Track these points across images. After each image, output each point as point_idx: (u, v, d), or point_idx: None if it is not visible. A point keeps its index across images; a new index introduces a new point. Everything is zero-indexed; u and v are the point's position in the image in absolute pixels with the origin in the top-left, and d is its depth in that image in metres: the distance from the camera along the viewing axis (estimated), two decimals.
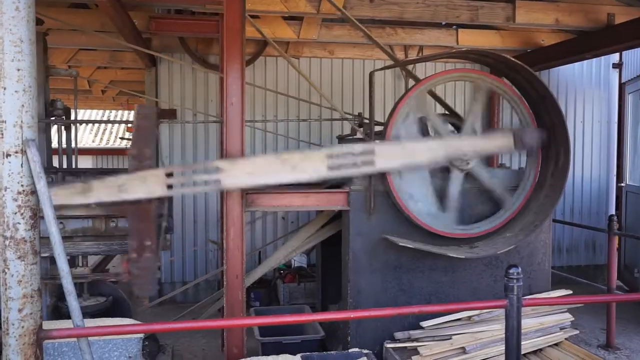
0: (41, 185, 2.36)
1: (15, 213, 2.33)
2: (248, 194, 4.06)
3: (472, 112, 4.42)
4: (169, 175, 3.55)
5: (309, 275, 6.79)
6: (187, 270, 7.21)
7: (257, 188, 3.94)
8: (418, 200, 4.35)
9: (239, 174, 3.64)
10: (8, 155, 2.31)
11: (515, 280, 2.78)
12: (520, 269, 2.82)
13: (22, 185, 2.34)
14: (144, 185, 3.48)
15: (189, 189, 3.77)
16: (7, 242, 2.32)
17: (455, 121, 4.87)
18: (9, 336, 2.32)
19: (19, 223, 2.33)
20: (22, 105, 2.32)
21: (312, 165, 3.75)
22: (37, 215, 2.41)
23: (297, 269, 6.95)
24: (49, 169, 4.38)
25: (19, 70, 2.31)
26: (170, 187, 3.55)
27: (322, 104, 6.33)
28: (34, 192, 2.37)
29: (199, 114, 7.08)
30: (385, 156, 3.92)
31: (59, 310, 4.52)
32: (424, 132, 4.74)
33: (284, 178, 3.77)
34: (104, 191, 3.43)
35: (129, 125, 14.04)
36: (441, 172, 4.40)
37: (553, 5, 5.92)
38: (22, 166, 2.33)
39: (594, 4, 5.95)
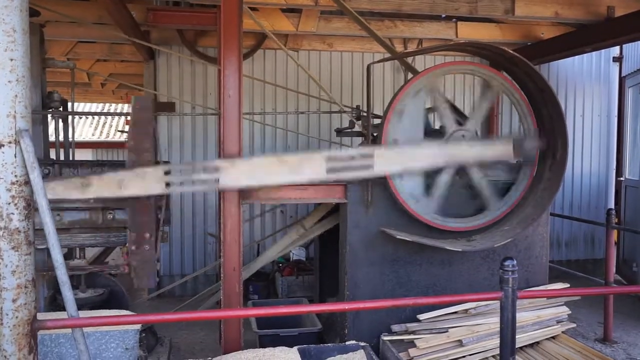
0: (35, 175, 2.35)
1: (9, 203, 2.33)
2: None
3: (442, 106, 4.43)
4: (168, 173, 3.55)
5: (307, 268, 6.79)
6: (185, 263, 7.22)
7: None
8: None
9: (238, 174, 3.67)
10: (1, 145, 2.31)
11: (510, 273, 2.78)
12: (515, 261, 2.81)
13: (15, 176, 2.34)
14: (143, 183, 3.48)
15: (187, 188, 3.76)
16: (1, 233, 2.32)
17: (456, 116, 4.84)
18: (3, 326, 2.32)
19: (12, 213, 2.33)
20: (16, 95, 2.31)
21: (312, 168, 3.77)
22: (30, 206, 2.40)
23: (296, 262, 6.96)
24: (45, 161, 4.36)
25: (12, 60, 2.30)
26: (168, 185, 3.55)
27: (321, 97, 6.31)
28: (27, 182, 2.37)
29: (197, 107, 7.07)
30: (385, 160, 3.93)
31: (56, 302, 4.52)
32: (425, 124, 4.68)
33: (282, 179, 3.83)
34: (102, 187, 3.43)
35: (128, 117, 14.05)
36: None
37: None
38: (15, 156, 2.33)
39: None
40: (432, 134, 4.60)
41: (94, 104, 18.46)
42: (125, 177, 3.46)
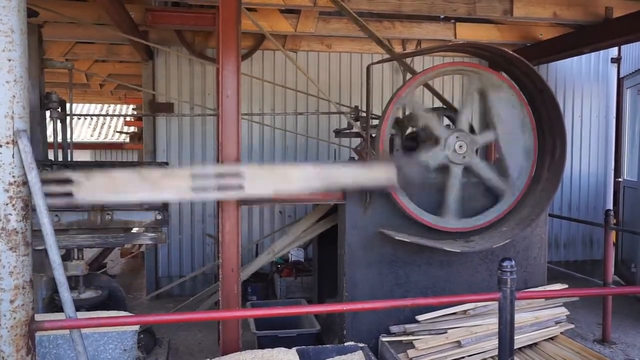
0: (33, 176, 2.35)
1: (7, 204, 2.32)
2: None
3: (466, 106, 4.41)
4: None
5: (306, 269, 6.78)
6: (184, 264, 7.21)
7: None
8: None
9: (94, 188, 3.29)
10: None
11: (508, 273, 2.77)
12: (513, 261, 2.80)
13: (13, 176, 2.33)
14: None
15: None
16: None
17: (453, 115, 4.85)
18: (0, 328, 2.31)
19: (10, 214, 2.32)
20: (14, 96, 2.31)
21: (175, 185, 3.49)
22: (28, 207, 2.40)
23: (294, 263, 6.95)
24: (44, 162, 4.35)
25: (10, 60, 2.29)
26: None
27: (320, 97, 6.31)
28: (25, 183, 2.36)
29: (196, 107, 7.06)
30: (256, 180, 3.65)
31: (54, 303, 4.51)
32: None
33: (143, 196, 3.54)
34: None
35: (126, 118, 14.03)
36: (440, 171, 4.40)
37: None
38: (13, 157, 2.32)
39: None
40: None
41: (93, 105, 18.45)
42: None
